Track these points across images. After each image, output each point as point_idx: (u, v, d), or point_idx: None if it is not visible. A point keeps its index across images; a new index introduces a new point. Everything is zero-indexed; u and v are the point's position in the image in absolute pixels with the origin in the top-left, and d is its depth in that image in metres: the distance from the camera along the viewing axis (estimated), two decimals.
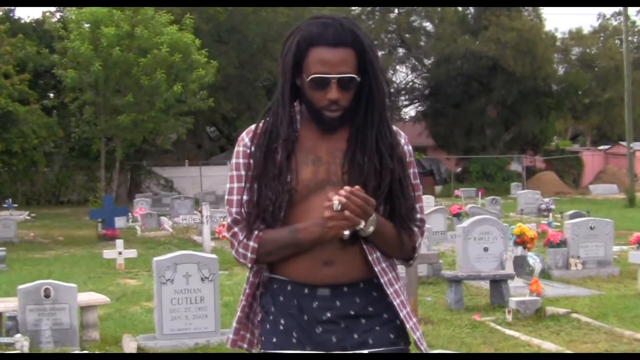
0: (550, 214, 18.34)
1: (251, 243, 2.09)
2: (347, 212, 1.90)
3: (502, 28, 33.39)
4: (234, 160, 2.15)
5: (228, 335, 2.23)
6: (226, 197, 2.17)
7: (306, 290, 2.06)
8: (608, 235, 9.92)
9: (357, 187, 1.93)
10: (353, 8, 38.82)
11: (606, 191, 31.39)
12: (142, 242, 15.46)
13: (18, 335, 6.02)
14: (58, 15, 28.23)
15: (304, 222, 2.02)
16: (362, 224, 1.94)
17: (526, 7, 36.25)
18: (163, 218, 19.51)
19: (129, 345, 6.11)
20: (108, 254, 11.81)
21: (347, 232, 1.92)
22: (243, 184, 2.11)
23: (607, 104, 36.47)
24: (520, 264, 9.02)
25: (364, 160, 2.06)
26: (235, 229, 2.13)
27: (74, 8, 21.23)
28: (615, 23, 38.54)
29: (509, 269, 8.54)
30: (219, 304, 6.50)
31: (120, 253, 11.67)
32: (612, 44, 37.28)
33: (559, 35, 37.86)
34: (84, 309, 6.58)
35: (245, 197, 2.10)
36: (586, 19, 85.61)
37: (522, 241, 9.19)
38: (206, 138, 38.49)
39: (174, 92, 18.85)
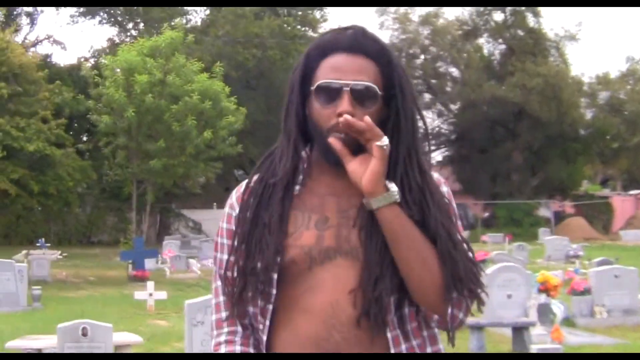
0: (577, 261, 18.30)
1: (221, 338, 1.66)
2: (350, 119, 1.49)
3: (528, 74, 33.69)
4: (219, 224, 1.71)
5: None
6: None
7: None
8: (633, 283, 9.97)
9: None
10: None
11: (637, 237, 31.02)
12: (171, 284, 15.67)
13: None
14: (92, 61, 29.19)
15: None
16: (384, 142, 1.49)
17: (552, 53, 36.57)
18: (191, 260, 19.76)
19: None
20: (139, 295, 12.10)
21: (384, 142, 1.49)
22: (226, 255, 1.65)
23: (636, 148, 36.37)
24: (544, 312, 9.10)
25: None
26: (215, 316, 1.69)
27: (108, 55, 21.98)
28: None
29: (533, 316, 8.64)
30: None
31: (150, 294, 11.95)
32: None
33: (585, 79, 38.09)
34: (118, 348, 6.84)
35: (225, 272, 1.64)
36: (614, 63, 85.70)
37: (545, 289, 9.28)
38: (234, 181, 38.94)
39: (204, 139, 19.33)
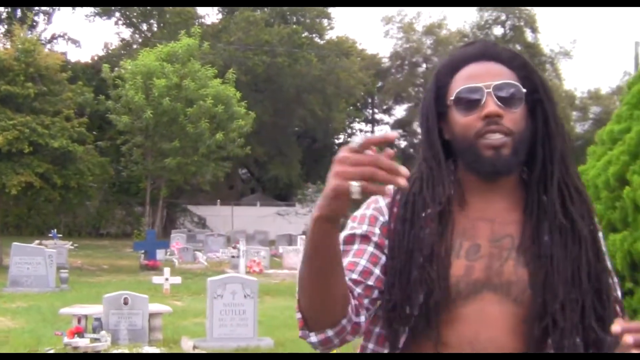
0: None
1: None
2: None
3: None
4: (350, 229, 1.48)
5: None
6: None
7: None
8: None
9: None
10: (383, 62, 41.07)
11: None
12: (180, 273, 16.80)
13: (103, 332, 7.82)
14: (105, 58, 30.61)
15: None
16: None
17: (547, 68, 38.13)
18: (198, 253, 21.20)
19: (187, 344, 7.89)
20: (157, 279, 13.58)
21: (355, 184, 1.12)
22: (355, 258, 1.44)
23: None
24: None
25: (549, 247, 1.40)
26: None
27: (125, 57, 23.47)
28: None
29: None
30: (257, 316, 8.26)
31: (167, 279, 13.44)
32: None
33: (578, 94, 39.69)
34: (151, 315, 8.38)
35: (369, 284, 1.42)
36: (605, 80, 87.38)
37: None
38: (238, 179, 40.53)
39: (216, 140, 20.70)
